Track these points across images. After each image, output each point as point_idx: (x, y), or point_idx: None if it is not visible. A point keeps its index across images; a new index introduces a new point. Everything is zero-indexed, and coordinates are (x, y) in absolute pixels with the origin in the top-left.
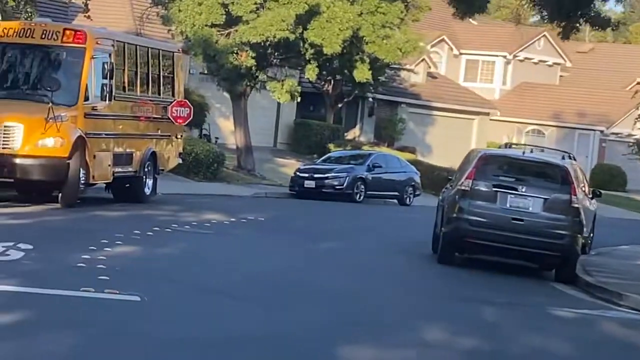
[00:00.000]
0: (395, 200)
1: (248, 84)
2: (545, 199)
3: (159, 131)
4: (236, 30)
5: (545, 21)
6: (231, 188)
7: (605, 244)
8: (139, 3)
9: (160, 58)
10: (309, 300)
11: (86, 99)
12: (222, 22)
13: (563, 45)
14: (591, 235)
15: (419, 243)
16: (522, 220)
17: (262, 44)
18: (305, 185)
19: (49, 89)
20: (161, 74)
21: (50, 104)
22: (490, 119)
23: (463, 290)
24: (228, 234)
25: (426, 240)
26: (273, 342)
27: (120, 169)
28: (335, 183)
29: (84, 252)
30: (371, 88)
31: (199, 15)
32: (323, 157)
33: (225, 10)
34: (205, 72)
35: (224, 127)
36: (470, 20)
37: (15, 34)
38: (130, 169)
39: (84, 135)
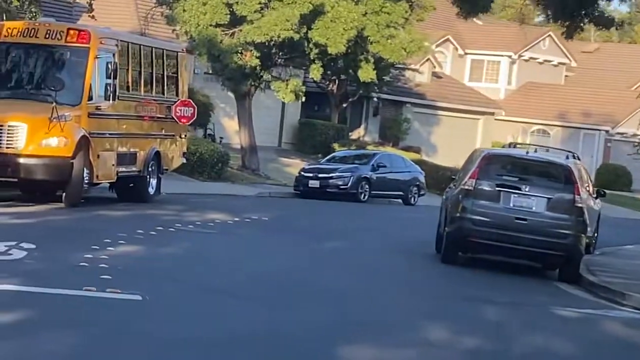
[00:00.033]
0: (400, 200)
1: (252, 83)
2: (548, 198)
3: (163, 131)
4: (240, 30)
5: (549, 20)
6: (235, 188)
7: (610, 243)
8: (143, 3)
9: (164, 58)
10: (313, 299)
11: (90, 98)
12: (226, 22)
13: (568, 45)
14: (595, 235)
15: (423, 243)
16: (525, 219)
17: (267, 43)
18: (309, 185)
19: (52, 88)
20: (165, 73)
21: (54, 104)
22: (495, 119)
23: (466, 289)
24: (232, 233)
25: (430, 240)
26: (276, 342)
27: (124, 169)
28: (340, 183)
29: (87, 251)
30: (376, 88)
31: (204, 15)
32: (327, 157)
33: (229, 10)
34: (210, 72)
35: (229, 127)
36: (476, 20)
37: (19, 33)
38: (134, 169)
39: (88, 135)
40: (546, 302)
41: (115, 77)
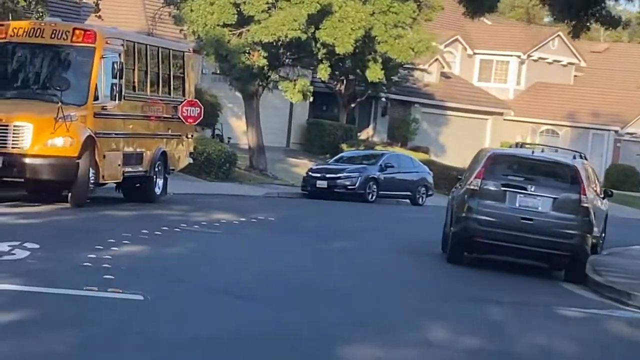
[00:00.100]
0: (408, 200)
1: (260, 83)
2: (554, 198)
3: (170, 131)
4: (248, 30)
5: (555, 20)
6: (243, 188)
7: (617, 244)
8: (151, 3)
9: (171, 58)
10: (318, 299)
11: (96, 98)
12: (234, 22)
13: (577, 45)
14: (603, 235)
15: (429, 243)
16: (531, 219)
17: (274, 43)
18: (317, 185)
19: (58, 88)
20: (171, 73)
21: (60, 104)
22: (504, 119)
23: (471, 289)
24: (237, 233)
25: (437, 240)
26: (281, 342)
27: (130, 169)
28: (348, 183)
29: (91, 251)
30: (384, 88)
31: (211, 15)
32: (335, 157)
33: (237, 10)
34: (218, 72)
35: (237, 127)
36: (485, 20)
37: (25, 33)
38: (140, 169)
39: (94, 135)
40: (551, 302)
41: (121, 77)
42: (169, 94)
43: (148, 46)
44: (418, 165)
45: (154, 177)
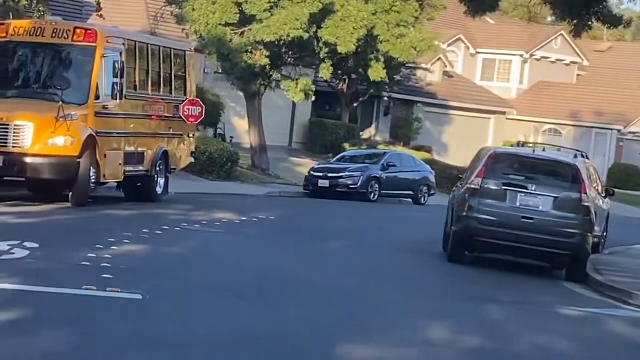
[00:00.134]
0: (410, 200)
1: (262, 83)
2: (555, 197)
3: (171, 130)
4: (250, 29)
5: (557, 19)
6: (245, 187)
7: (619, 243)
8: (153, 2)
9: (172, 57)
10: (318, 299)
11: (97, 97)
12: (236, 21)
13: (580, 44)
14: (604, 234)
15: (430, 242)
16: (532, 218)
17: (276, 43)
18: (319, 185)
19: (59, 87)
20: (173, 72)
21: (61, 103)
22: (507, 118)
23: (472, 289)
24: (237, 232)
25: (439, 239)
26: (279, 341)
27: (131, 168)
28: (350, 182)
29: (90, 250)
30: (387, 87)
31: (213, 15)
32: (337, 157)
33: (239, 9)
34: (220, 71)
35: (239, 127)
36: (487, 19)
37: (26, 32)
38: (141, 168)
39: (95, 134)
40: (551, 301)
41: (122, 76)
42: (171, 93)
43: (149, 45)
44: (420, 164)
45: (156, 176)
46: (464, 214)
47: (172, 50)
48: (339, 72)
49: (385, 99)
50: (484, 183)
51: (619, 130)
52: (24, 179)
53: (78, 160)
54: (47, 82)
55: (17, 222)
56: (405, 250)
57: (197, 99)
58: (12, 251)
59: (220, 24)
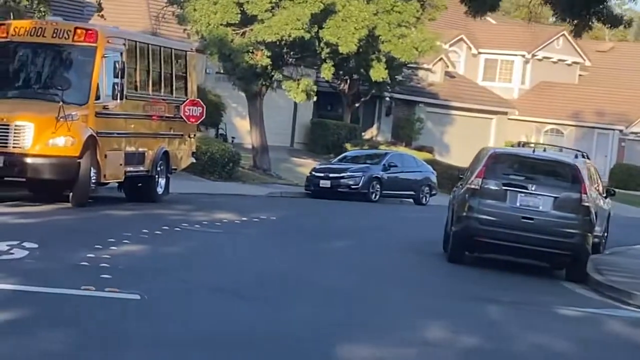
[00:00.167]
0: (411, 200)
1: (263, 83)
2: (555, 197)
3: (172, 130)
4: (251, 30)
5: (558, 19)
6: (246, 188)
7: (620, 243)
8: (155, 2)
9: (173, 57)
10: (318, 299)
11: (97, 98)
12: (237, 21)
13: (582, 44)
14: (605, 234)
15: (431, 242)
16: (532, 219)
17: (278, 43)
18: (320, 185)
19: (59, 88)
20: (174, 73)
21: (61, 103)
22: (509, 119)
23: (472, 289)
24: (237, 233)
25: (439, 239)
26: (278, 342)
27: (132, 168)
28: (351, 182)
29: (89, 250)
30: (388, 87)
31: (214, 15)
32: (339, 157)
33: (240, 10)
34: (222, 71)
35: (241, 127)
36: (489, 19)
37: (26, 33)
38: (142, 168)
39: (95, 135)
40: (551, 301)
41: (122, 77)
42: (171, 93)
43: (150, 45)
44: (421, 164)
45: (156, 176)
46: (464, 214)
47: (173, 50)
48: (341, 72)
49: (387, 99)
50: (483, 183)
51: (620, 131)
52: (24, 179)
53: (78, 160)
54: (47, 82)
55: (17, 223)
56: (405, 250)
57: (198, 99)
58: (11, 251)
59: (221, 24)
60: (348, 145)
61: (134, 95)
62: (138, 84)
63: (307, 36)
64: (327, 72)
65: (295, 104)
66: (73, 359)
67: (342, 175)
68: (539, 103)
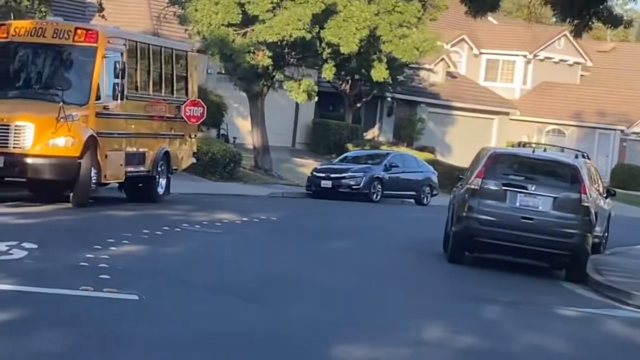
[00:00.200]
0: (413, 200)
1: (265, 83)
2: (555, 197)
3: (172, 131)
4: (252, 30)
5: (557, 19)
6: (247, 188)
7: (621, 243)
8: (156, 3)
9: (174, 57)
10: (317, 299)
11: (98, 98)
12: (238, 22)
13: (584, 45)
14: (606, 234)
15: (431, 243)
16: (531, 219)
17: (279, 43)
18: (321, 185)
19: (59, 88)
20: (174, 73)
21: (61, 104)
22: (510, 119)
23: (472, 289)
24: (238, 233)
25: (440, 239)
26: (275, 342)
27: (132, 169)
28: (352, 183)
29: (89, 251)
30: (390, 88)
31: (215, 15)
32: (340, 157)
33: (241, 10)
34: (223, 71)
35: (243, 127)
36: (491, 19)
37: (26, 33)
38: (143, 169)
39: (96, 135)
40: (550, 301)
41: (123, 77)
42: (172, 93)
43: (150, 46)
44: (422, 164)
45: (157, 177)
46: (464, 214)
47: (174, 50)
48: (342, 72)
49: (389, 99)
50: (483, 183)
51: (622, 131)
52: (24, 180)
53: (79, 160)
54: (48, 83)
55: (16, 223)
56: (406, 251)
57: (199, 100)
58: (10, 252)
59: (222, 25)
60: (350, 146)
61: (135, 95)
62: (139, 84)
63: (309, 36)
64: (328, 72)
65: (297, 104)
66: (69, 359)
67: (343, 175)
68: (540, 103)
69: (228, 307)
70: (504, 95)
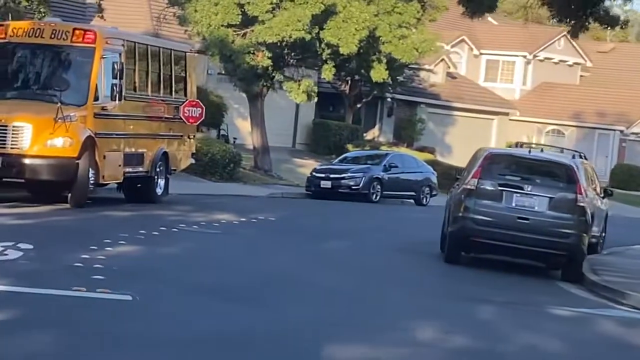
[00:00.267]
0: (412, 201)
1: (264, 84)
2: (550, 197)
3: (171, 131)
4: (252, 31)
5: (555, 19)
6: (247, 188)
7: (619, 243)
8: (156, 3)
9: (172, 58)
10: (313, 299)
11: (96, 99)
12: (238, 22)
13: (584, 45)
14: (603, 234)
15: (429, 243)
16: (527, 219)
17: (278, 44)
18: (321, 186)
19: (57, 88)
20: (173, 74)
21: (59, 104)
22: (510, 119)
23: (468, 289)
24: (235, 233)
25: (438, 240)
26: (267, 343)
27: (131, 169)
28: (352, 183)
29: (84, 251)
30: (390, 88)
31: (215, 16)
32: (340, 158)
33: (241, 11)
34: (223, 72)
35: (243, 128)
36: (491, 20)
37: (24, 33)
38: (141, 169)
39: (94, 135)
40: (545, 301)
41: (121, 77)
42: (171, 94)
43: (149, 46)
44: (422, 165)
45: (155, 177)
46: (460, 214)
47: (172, 51)
48: (342, 73)
49: (389, 100)
50: (479, 183)
51: (621, 131)
52: (22, 180)
53: (77, 161)
54: (46, 83)
55: (13, 224)
56: (403, 251)
57: (197, 100)
58: (5, 252)
59: (222, 25)
60: (350, 146)
61: (133, 96)
62: (137, 84)
63: (308, 37)
64: (328, 73)
65: (297, 105)
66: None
67: (342, 176)
68: (540, 104)
69: (223, 307)
70: (503, 95)
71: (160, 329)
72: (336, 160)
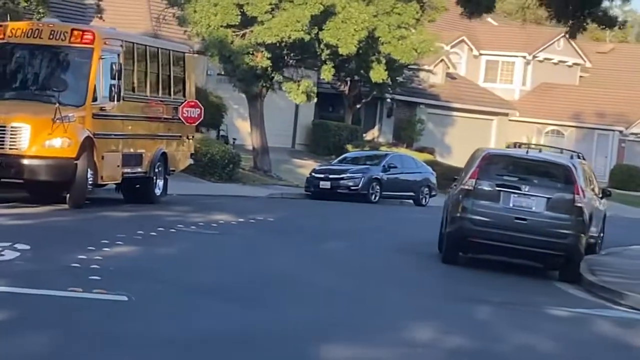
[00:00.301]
0: (411, 201)
1: (264, 84)
2: (548, 198)
3: (170, 132)
4: (251, 31)
5: (552, 20)
6: (246, 189)
7: (617, 243)
8: (156, 4)
9: (171, 58)
10: (310, 300)
11: (94, 99)
12: (237, 23)
13: (583, 46)
14: (601, 235)
15: (428, 243)
16: (525, 219)
17: (278, 44)
18: (320, 186)
19: (56, 89)
20: (172, 74)
21: (58, 105)
22: (510, 120)
23: (465, 289)
24: (233, 234)
25: (437, 240)
26: (262, 343)
27: (129, 170)
28: (351, 184)
29: (82, 252)
30: (389, 89)
31: (214, 16)
32: (339, 158)
33: (240, 11)
34: (222, 73)
35: (243, 128)
36: (491, 20)
37: (23, 34)
38: (140, 170)
39: (92, 136)
40: (543, 302)
41: (119, 78)
42: (169, 94)
43: (147, 47)
44: (421, 165)
45: (154, 178)
46: (458, 214)
47: (171, 51)
48: (341, 73)
49: (388, 100)
50: (477, 184)
51: (620, 132)
52: (21, 181)
53: (75, 161)
54: (44, 84)
55: (11, 224)
56: (402, 251)
57: (196, 101)
58: (2, 253)
59: (221, 26)
60: (349, 147)
61: (132, 96)
62: (135, 85)
63: (307, 38)
64: (327, 73)
65: (297, 106)
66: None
67: (342, 176)
68: (539, 104)
69: (221, 308)
70: (503, 96)
71: (157, 329)
72: (335, 161)
